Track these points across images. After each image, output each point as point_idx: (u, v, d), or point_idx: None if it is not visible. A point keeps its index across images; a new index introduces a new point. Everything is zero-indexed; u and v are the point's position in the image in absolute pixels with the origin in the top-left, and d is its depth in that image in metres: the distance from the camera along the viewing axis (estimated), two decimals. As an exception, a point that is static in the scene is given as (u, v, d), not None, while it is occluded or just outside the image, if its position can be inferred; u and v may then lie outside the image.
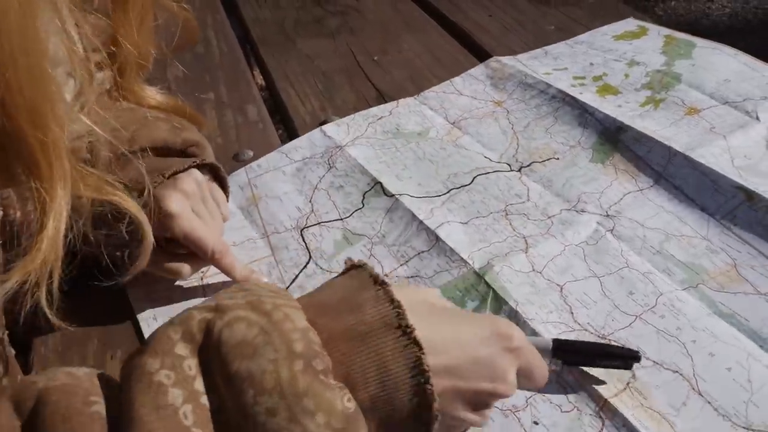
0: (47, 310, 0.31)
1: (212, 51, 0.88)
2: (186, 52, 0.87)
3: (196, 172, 0.50)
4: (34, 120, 0.27)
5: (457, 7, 0.96)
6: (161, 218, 0.45)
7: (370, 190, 0.59)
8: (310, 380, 0.27)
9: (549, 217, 0.54)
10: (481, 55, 0.81)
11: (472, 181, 0.59)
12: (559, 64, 0.75)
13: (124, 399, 0.27)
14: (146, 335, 0.47)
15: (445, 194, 0.58)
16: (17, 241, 0.31)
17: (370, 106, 0.72)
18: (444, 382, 0.30)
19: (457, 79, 0.75)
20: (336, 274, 0.50)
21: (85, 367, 0.31)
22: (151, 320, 0.48)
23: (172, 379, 0.27)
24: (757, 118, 0.61)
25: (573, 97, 0.67)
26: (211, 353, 0.28)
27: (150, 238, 0.40)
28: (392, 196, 0.57)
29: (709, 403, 0.39)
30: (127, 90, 0.48)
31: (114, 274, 0.41)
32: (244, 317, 0.28)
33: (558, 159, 0.61)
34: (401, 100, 0.72)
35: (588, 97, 0.67)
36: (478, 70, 0.76)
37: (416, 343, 0.29)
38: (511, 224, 0.54)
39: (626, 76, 0.71)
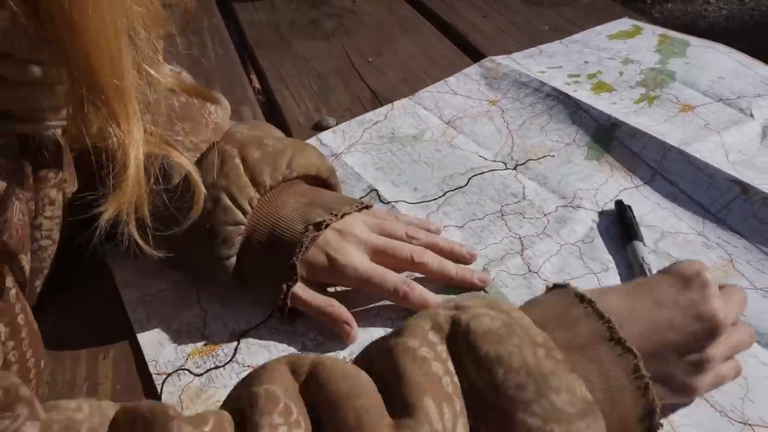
0: (138, 239, 0.35)
1: (208, 53, 0.88)
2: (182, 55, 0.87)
3: (364, 216, 0.49)
4: (113, 67, 0.30)
5: (451, 8, 0.96)
6: (332, 266, 0.45)
7: (365, 196, 0.58)
8: (553, 364, 0.30)
9: (545, 215, 0.54)
10: (476, 55, 0.81)
11: (468, 182, 0.59)
12: (553, 62, 0.75)
13: (390, 367, 0.31)
14: (139, 336, 0.46)
15: (441, 197, 0.57)
16: None
17: (365, 107, 0.72)
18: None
19: (451, 79, 0.75)
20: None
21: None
22: (144, 321, 0.47)
23: (432, 356, 0.31)
24: (751, 115, 0.61)
25: (567, 95, 0.67)
26: (460, 340, 0.32)
27: (201, 189, 0.41)
28: (388, 203, 0.57)
29: (705, 399, 0.39)
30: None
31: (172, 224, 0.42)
32: (485, 313, 0.32)
33: (553, 156, 0.61)
34: (396, 102, 0.72)
35: (582, 94, 0.67)
36: (473, 70, 0.76)
37: (631, 351, 0.32)
38: (506, 224, 0.54)
39: (620, 73, 0.71)
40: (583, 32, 0.82)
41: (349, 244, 0.46)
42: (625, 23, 0.83)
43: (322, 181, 0.52)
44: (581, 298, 0.35)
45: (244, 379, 0.32)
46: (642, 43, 0.77)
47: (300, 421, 0.28)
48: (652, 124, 0.61)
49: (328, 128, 0.69)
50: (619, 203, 0.53)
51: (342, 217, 0.47)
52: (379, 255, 0.47)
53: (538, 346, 0.31)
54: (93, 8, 0.28)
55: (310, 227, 0.45)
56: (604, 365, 0.32)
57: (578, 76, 0.71)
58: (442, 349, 0.32)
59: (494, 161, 0.61)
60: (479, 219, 0.55)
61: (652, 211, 0.53)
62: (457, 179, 0.59)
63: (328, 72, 0.81)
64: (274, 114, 0.77)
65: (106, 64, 0.30)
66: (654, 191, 0.55)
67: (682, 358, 0.35)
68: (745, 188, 0.52)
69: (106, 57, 0.30)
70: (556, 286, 0.37)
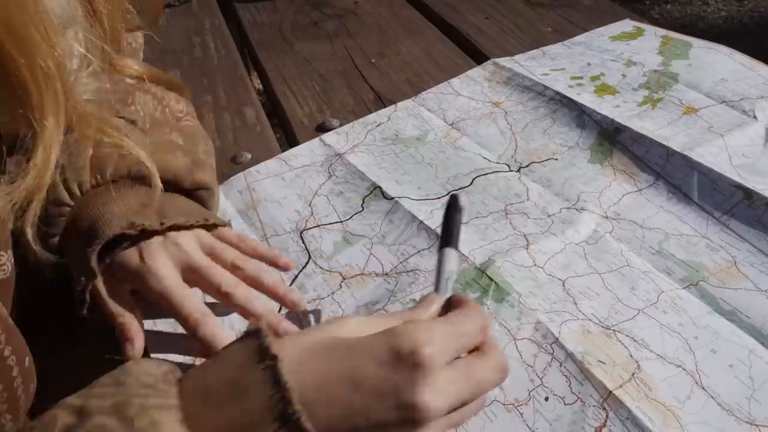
0: (29, 236, 0.32)
1: (210, 55, 0.88)
2: (183, 54, 0.88)
3: (202, 233, 0.47)
4: (20, 45, 0.27)
5: (454, 10, 0.96)
6: (139, 269, 0.42)
7: (369, 194, 0.59)
8: None
9: (549, 216, 0.54)
10: (479, 57, 0.81)
11: (471, 182, 0.59)
12: (556, 64, 0.75)
13: None
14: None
15: (444, 196, 0.58)
16: None
17: (368, 109, 0.72)
18: None
19: (454, 80, 0.75)
20: (335, 272, 0.50)
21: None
22: (149, 323, 0.48)
23: None
24: (755, 117, 0.61)
25: (570, 99, 0.67)
26: None
27: (158, 183, 0.40)
28: (392, 199, 0.57)
29: (712, 398, 0.39)
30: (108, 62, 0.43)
31: None
32: (102, 426, 0.27)
33: (557, 159, 0.61)
34: (399, 103, 0.72)
35: (586, 98, 0.67)
36: (476, 72, 0.76)
37: (302, 430, 0.27)
38: (511, 223, 0.54)
39: (623, 76, 0.71)
40: (586, 34, 0.82)
41: (166, 253, 0.43)
42: (627, 25, 0.83)
43: (188, 193, 0.50)
44: (264, 353, 0.29)
45: None
46: (644, 44, 0.77)
47: None
48: (655, 128, 0.61)
49: (331, 130, 0.69)
50: (453, 197, 0.42)
51: (172, 227, 0.44)
52: (192, 273, 0.44)
53: None
54: None
55: (135, 227, 0.42)
56: None
57: (581, 78, 0.71)
58: None
59: (498, 163, 0.61)
60: (483, 217, 0.55)
61: (656, 214, 0.54)
62: (461, 180, 0.60)
63: (331, 73, 0.81)
64: (277, 115, 0.77)
65: (10, 42, 0.27)
66: (657, 195, 0.56)
67: None
68: (748, 193, 0.52)
69: (7, 32, 0.27)
70: (248, 334, 0.31)
